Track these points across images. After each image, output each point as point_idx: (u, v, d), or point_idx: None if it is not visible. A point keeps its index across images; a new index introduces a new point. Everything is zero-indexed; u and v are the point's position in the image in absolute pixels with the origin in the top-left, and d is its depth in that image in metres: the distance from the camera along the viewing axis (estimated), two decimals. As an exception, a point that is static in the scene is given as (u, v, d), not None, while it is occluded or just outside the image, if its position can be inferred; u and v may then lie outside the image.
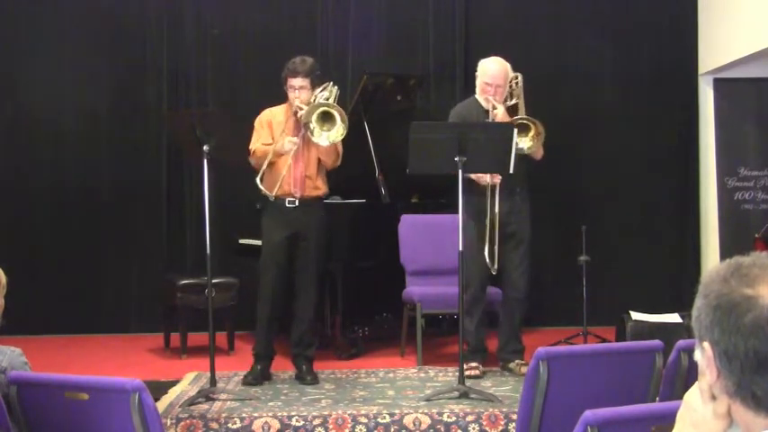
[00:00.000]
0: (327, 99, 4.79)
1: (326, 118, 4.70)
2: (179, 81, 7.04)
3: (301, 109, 4.78)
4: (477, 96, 5.19)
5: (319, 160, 4.96)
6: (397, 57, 7.06)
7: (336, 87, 4.88)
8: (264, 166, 4.86)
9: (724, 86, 6.88)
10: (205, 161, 4.59)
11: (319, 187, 4.99)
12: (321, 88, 4.87)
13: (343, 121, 4.67)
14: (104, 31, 7.03)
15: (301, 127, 4.80)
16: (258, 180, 4.86)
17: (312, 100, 4.82)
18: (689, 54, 7.07)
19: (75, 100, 7.04)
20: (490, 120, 5.02)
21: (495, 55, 5.25)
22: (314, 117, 4.68)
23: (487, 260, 4.97)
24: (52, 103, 7.02)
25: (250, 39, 7.06)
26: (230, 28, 7.07)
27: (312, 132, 4.69)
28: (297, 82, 4.86)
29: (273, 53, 6.65)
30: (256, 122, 5.02)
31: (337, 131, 4.69)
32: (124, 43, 7.04)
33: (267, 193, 4.89)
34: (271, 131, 4.96)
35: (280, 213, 4.94)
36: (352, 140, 5.94)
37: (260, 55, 6.86)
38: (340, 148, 4.94)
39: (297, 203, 4.92)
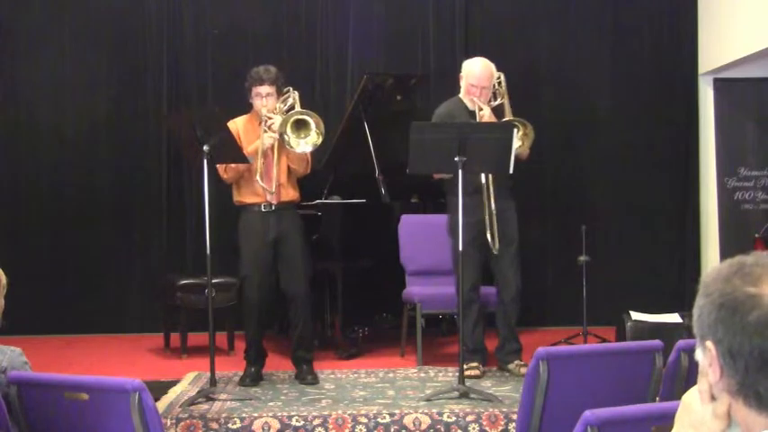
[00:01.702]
0: (293, 106, 4.79)
1: (300, 125, 4.70)
2: (179, 81, 7.05)
3: (270, 118, 4.79)
4: (461, 97, 5.19)
5: (289, 168, 4.95)
6: (397, 57, 7.06)
7: (296, 92, 4.89)
8: (244, 168, 4.84)
9: (724, 86, 6.88)
10: (205, 161, 4.59)
11: (291, 193, 5.00)
12: (283, 98, 4.89)
13: (317, 123, 4.67)
14: (104, 32, 7.04)
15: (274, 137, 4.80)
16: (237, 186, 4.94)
17: (277, 110, 4.83)
18: (689, 54, 7.07)
19: (75, 100, 7.03)
20: (477, 121, 5.01)
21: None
22: (288, 128, 4.68)
23: (489, 240, 4.94)
24: (52, 104, 7.02)
25: (250, 39, 7.06)
26: (230, 28, 7.07)
27: (290, 143, 4.69)
28: (264, 89, 4.87)
29: (273, 53, 6.67)
30: None
31: (315, 136, 4.68)
32: (124, 43, 7.05)
33: (244, 200, 4.94)
34: (239, 142, 4.96)
35: (257, 220, 4.93)
36: (353, 140, 5.98)
37: (260, 55, 6.84)
38: (309, 155, 4.93)
39: (273, 208, 4.92)
